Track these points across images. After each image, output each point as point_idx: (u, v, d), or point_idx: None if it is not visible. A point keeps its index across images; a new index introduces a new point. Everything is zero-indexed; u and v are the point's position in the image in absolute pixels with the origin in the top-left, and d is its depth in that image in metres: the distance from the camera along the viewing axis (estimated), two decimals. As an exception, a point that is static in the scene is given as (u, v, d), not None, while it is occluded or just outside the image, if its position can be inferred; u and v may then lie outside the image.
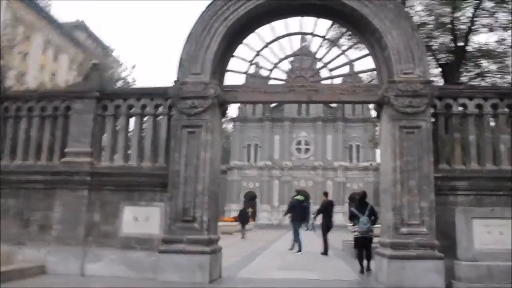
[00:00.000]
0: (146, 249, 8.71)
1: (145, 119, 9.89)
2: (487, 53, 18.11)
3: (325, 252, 14.83)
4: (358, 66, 9.62)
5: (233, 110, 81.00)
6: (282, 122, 69.69)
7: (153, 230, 8.82)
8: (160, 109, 9.48)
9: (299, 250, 15.42)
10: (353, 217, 10.51)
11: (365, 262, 10.26)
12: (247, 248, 17.77)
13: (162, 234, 8.58)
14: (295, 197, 16.93)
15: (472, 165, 8.76)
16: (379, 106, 9.21)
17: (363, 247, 10.33)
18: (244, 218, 27.29)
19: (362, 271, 10.08)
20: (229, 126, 75.63)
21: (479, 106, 8.94)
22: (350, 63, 9.67)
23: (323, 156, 68.02)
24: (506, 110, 8.94)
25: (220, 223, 30.05)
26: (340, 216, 59.42)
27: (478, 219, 7.80)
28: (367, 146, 56.14)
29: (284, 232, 26.39)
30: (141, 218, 8.93)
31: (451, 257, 7.84)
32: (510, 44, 17.68)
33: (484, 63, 18.65)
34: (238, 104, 71.56)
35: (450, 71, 16.91)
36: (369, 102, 9.80)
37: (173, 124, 8.96)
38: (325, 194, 16.98)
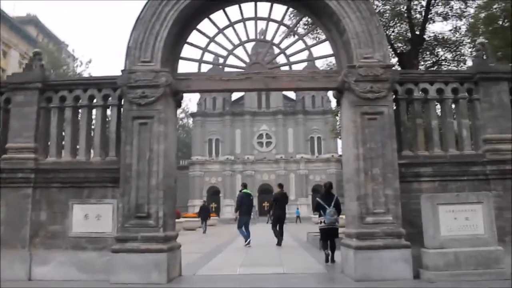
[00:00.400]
0: (98, 249, 8.14)
1: (94, 111, 9.28)
2: (443, 42, 18.36)
3: (279, 243, 15.02)
4: (316, 54, 9.32)
5: (193, 105, 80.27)
6: (242, 116, 69.55)
7: (105, 228, 8.27)
8: (109, 100, 8.90)
9: (247, 242, 15.29)
10: (319, 208, 10.34)
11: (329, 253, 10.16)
12: (209, 244, 17.36)
13: (115, 232, 8.04)
14: (243, 191, 16.07)
15: (435, 151, 8.59)
16: (339, 93, 8.93)
17: (329, 238, 10.24)
18: (205, 213, 26.78)
19: (327, 261, 10.01)
20: (190, 121, 74.93)
21: (440, 91, 8.78)
22: (308, 48, 9.31)
23: (284, 149, 68.34)
24: (466, 94, 8.82)
25: (182, 219, 29.62)
26: (304, 208, 59.92)
27: (443, 205, 7.60)
28: (328, 137, 56.66)
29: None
30: (92, 216, 8.34)
31: (418, 246, 7.64)
32: (464, 33, 17.93)
33: (440, 51, 18.90)
34: (198, 99, 71.12)
35: (407, 60, 16.98)
36: (329, 89, 9.48)
37: (124, 115, 8.40)
38: (280, 185, 16.68)
